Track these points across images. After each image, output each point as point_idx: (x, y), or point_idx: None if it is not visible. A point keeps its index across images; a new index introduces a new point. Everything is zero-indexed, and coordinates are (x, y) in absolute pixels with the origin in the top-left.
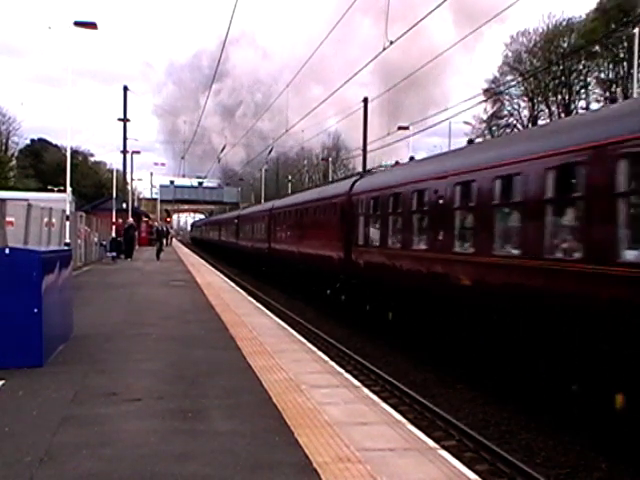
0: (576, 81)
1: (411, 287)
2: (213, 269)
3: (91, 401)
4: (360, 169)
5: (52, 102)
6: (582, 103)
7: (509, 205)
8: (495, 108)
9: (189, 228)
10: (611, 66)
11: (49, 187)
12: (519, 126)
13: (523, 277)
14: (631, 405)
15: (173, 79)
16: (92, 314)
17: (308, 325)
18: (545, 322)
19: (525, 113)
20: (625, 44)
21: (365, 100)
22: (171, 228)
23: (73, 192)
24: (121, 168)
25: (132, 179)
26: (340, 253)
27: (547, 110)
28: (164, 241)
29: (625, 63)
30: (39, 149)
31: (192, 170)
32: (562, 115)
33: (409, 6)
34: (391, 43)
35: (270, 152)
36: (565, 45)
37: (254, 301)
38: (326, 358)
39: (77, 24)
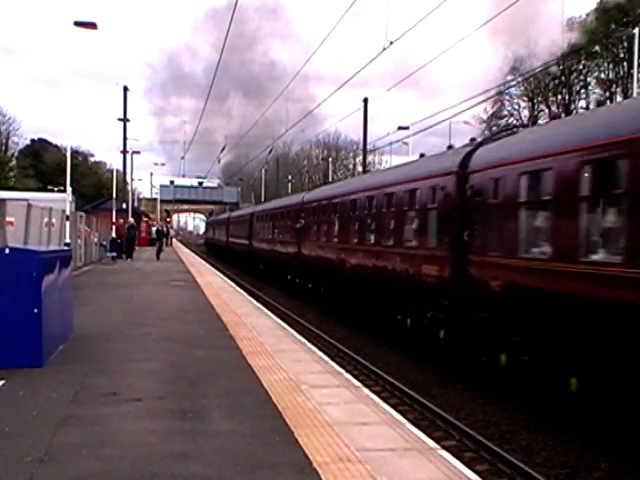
0: (576, 81)
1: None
2: (213, 269)
3: (91, 401)
4: (360, 169)
5: (52, 102)
6: (582, 103)
7: None
8: (495, 108)
9: (192, 228)
10: (611, 66)
11: (49, 187)
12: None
13: None
14: None
15: (173, 70)
16: (92, 314)
17: (308, 325)
18: None
19: (525, 113)
20: (625, 44)
21: (365, 100)
22: (171, 228)
23: (73, 192)
24: (121, 168)
25: (132, 179)
26: (441, 265)
27: (547, 110)
28: (164, 241)
29: (625, 63)
30: (39, 149)
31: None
32: (562, 115)
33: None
34: (391, 43)
35: (270, 152)
36: (565, 45)
37: (254, 301)
38: (326, 358)
39: (77, 24)
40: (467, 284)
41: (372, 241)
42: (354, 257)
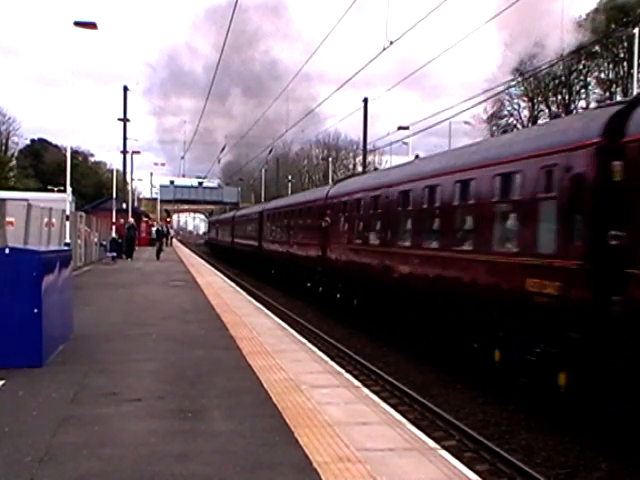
0: (576, 81)
1: None
2: (213, 269)
3: (91, 401)
4: (360, 169)
5: (52, 102)
6: (582, 103)
7: None
8: (495, 108)
9: (191, 228)
10: (611, 66)
11: (49, 187)
12: (519, 126)
13: None
14: None
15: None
16: (92, 314)
17: (308, 325)
18: None
19: (525, 113)
20: (625, 44)
21: (365, 100)
22: (171, 228)
23: (73, 192)
24: (121, 168)
25: (132, 179)
26: (565, 280)
27: (547, 110)
28: (164, 241)
29: (625, 63)
30: (39, 149)
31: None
32: (562, 115)
33: None
34: (391, 43)
35: (270, 152)
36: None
37: (254, 301)
38: (326, 358)
39: (77, 24)
40: (624, 312)
41: (435, 244)
42: (405, 264)
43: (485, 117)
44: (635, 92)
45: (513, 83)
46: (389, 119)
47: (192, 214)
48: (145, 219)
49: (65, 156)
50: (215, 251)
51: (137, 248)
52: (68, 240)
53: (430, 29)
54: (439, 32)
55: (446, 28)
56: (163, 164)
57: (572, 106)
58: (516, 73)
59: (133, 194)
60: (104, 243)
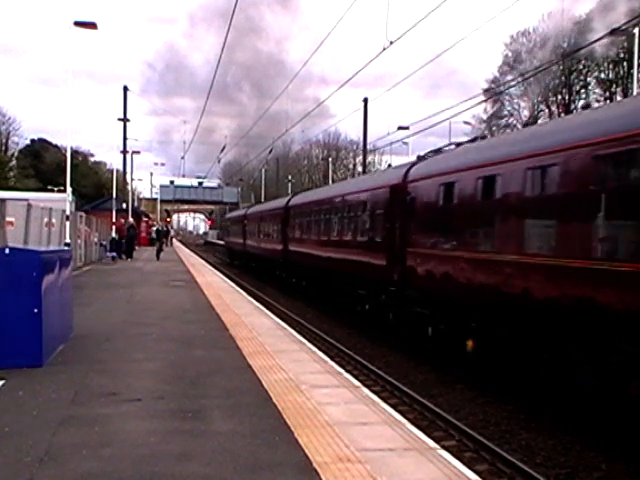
0: (576, 81)
1: None
2: (213, 269)
3: (91, 401)
4: (360, 169)
5: (52, 102)
6: (582, 103)
7: None
8: (495, 108)
9: (191, 228)
10: (611, 66)
11: (49, 187)
12: (519, 126)
13: None
14: None
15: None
16: (92, 314)
17: (308, 325)
18: None
19: (525, 113)
20: (625, 44)
21: (365, 100)
22: (171, 228)
23: (73, 192)
24: (121, 168)
25: (132, 179)
26: None
27: (547, 110)
28: (164, 241)
29: (625, 63)
30: (39, 149)
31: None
32: (562, 115)
33: None
34: (391, 43)
35: (270, 152)
36: (565, 45)
37: (254, 301)
38: (326, 358)
39: (77, 24)
40: None
41: None
42: None
43: (485, 117)
44: (635, 92)
45: (513, 83)
46: (406, 117)
47: (192, 214)
48: (145, 219)
49: (65, 156)
50: (237, 259)
51: (137, 248)
52: (68, 240)
53: (442, 25)
54: (458, 26)
55: (468, 21)
56: (163, 164)
57: (572, 106)
58: (516, 73)
59: (133, 194)
60: (104, 243)
